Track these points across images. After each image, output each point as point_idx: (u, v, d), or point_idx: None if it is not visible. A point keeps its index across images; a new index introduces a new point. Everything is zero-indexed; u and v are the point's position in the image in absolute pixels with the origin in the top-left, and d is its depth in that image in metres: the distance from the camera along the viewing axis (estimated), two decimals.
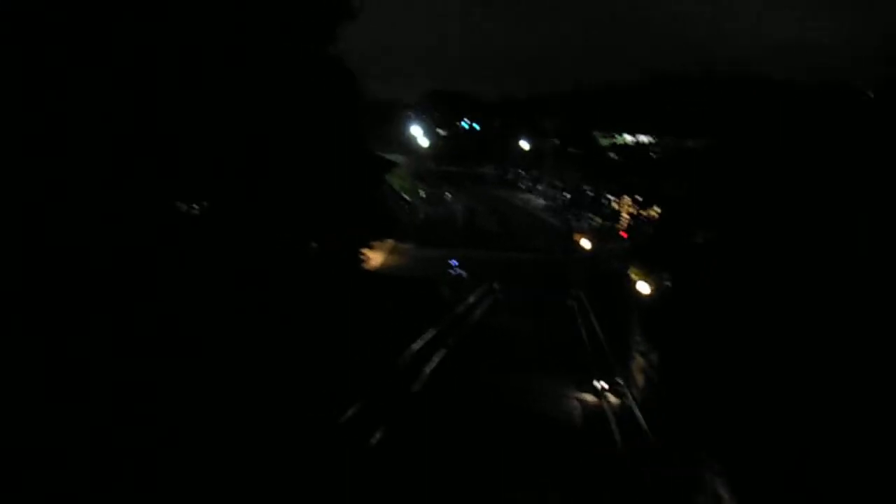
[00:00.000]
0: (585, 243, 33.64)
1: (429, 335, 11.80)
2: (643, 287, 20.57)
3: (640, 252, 24.81)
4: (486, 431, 9.83)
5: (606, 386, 11.21)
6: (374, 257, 29.62)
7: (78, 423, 6.92)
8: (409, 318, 13.82)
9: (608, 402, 11.38)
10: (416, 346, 11.17)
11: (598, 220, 44.13)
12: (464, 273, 21.76)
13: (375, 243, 33.03)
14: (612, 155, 61.94)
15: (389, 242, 33.31)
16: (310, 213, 16.16)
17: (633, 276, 21.23)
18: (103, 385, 7.51)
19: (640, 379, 11.86)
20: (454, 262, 22.38)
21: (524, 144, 76.75)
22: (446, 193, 64.23)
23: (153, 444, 7.21)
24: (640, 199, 35.84)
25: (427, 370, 10.74)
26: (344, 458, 8.21)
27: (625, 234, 37.23)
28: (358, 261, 20.09)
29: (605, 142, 67.07)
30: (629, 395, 10.81)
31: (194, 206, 13.35)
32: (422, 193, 60.97)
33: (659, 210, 31.67)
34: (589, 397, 11.82)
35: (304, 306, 13.15)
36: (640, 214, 34.31)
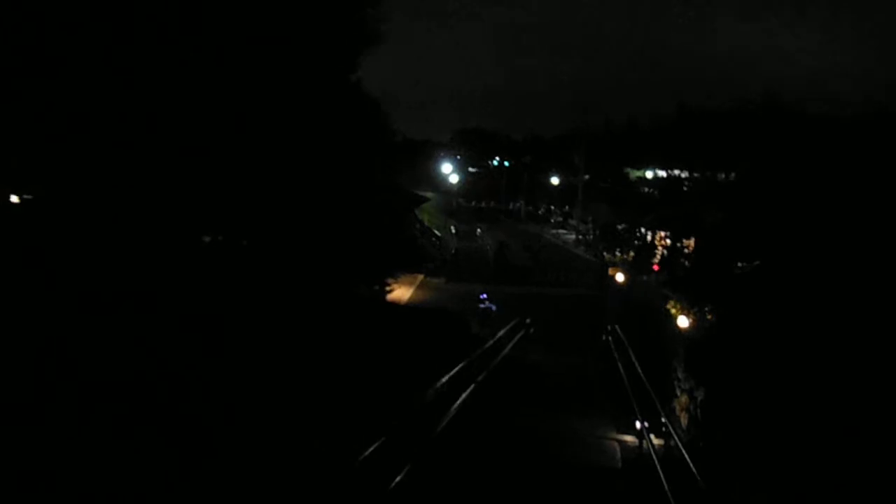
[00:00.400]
0: (619, 277, 32.64)
1: (455, 371, 10.99)
2: (683, 321, 19.55)
3: (678, 285, 23.78)
4: (519, 479, 8.97)
5: (647, 425, 10.25)
6: (403, 292, 29.03)
7: None
8: (436, 353, 13.08)
9: (651, 443, 10.44)
10: (443, 381, 10.39)
11: (631, 253, 42.97)
12: (493, 307, 21.00)
13: (405, 277, 32.58)
14: (644, 189, 61.11)
15: (419, 277, 32.78)
16: (334, 247, 15.78)
17: (672, 310, 20.21)
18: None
19: (684, 419, 10.89)
20: (483, 296, 21.66)
21: (554, 180, 76.32)
22: (477, 229, 63.92)
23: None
24: (672, 232, 34.76)
25: (453, 409, 9.92)
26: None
27: (657, 268, 36.16)
28: (382, 294, 19.50)
29: (635, 175, 66.25)
30: (674, 434, 9.85)
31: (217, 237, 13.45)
32: (452, 229, 60.76)
33: (694, 242, 30.60)
34: (629, 438, 10.87)
35: (327, 339, 12.56)
36: (676, 246, 33.20)
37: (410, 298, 28.06)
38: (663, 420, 10.19)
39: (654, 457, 9.79)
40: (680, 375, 12.07)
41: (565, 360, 17.72)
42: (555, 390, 13.99)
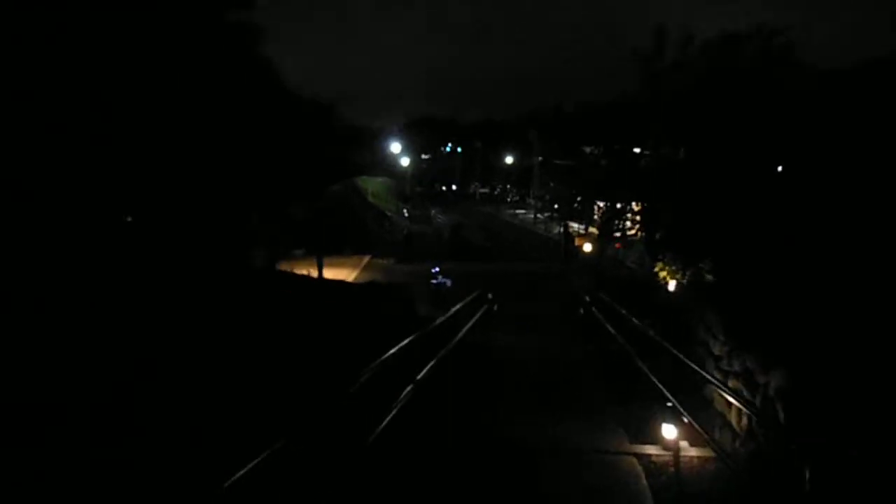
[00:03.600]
0: (587, 247, 28.98)
1: (385, 357, 6.72)
2: (672, 287, 15.75)
3: (659, 247, 20.06)
4: None
5: (674, 431, 6.34)
6: (347, 273, 24.75)
7: None
8: (362, 337, 8.95)
9: (685, 457, 6.54)
10: (362, 380, 6.17)
11: (594, 229, 39.32)
12: (447, 281, 16.95)
13: (349, 259, 28.38)
14: (602, 162, 57.91)
15: (365, 258, 28.52)
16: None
17: (661, 273, 16.38)
18: None
19: (735, 417, 7.04)
20: (435, 270, 17.57)
21: (508, 160, 73.03)
22: (432, 211, 60.09)
23: None
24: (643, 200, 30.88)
25: (393, 411, 5.76)
26: None
27: (619, 246, 32.73)
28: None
29: (593, 152, 63.25)
30: (712, 442, 5.93)
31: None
32: (405, 212, 56.84)
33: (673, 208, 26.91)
34: (653, 451, 6.96)
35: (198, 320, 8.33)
36: (652, 211, 29.37)
37: (355, 280, 23.76)
38: (685, 419, 6.23)
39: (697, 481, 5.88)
40: (717, 351, 8.14)
41: (542, 342, 13.76)
42: (537, 384, 9.97)
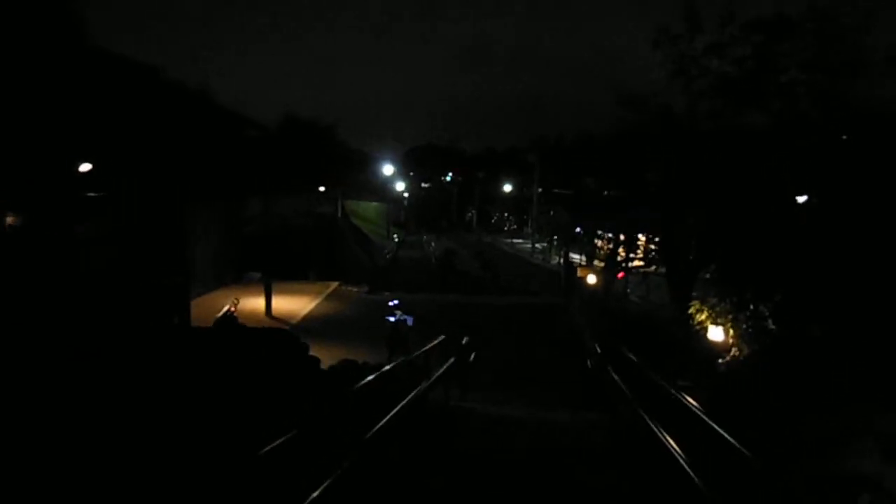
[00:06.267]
0: (591, 279, 24.49)
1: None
2: (716, 333, 11.20)
3: (686, 280, 15.59)
4: None
5: None
6: (303, 304, 20.28)
7: None
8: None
9: None
10: None
11: (604, 252, 34.86)
12: (409, 319, 12.37)
13: (311, 285, 23.93)
14: (605, 192, 53.86)
15: (332, 285, 24.02)
16: None
17: (699, 316, 11.83)
18: None
19: None
20: (394, 303, 12.94)
21: (507, 188, 69.19)
22: (425, 237, 55.89)
23: None
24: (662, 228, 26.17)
25: None
26: None
27: (621, 275, 28.44)
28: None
29: (593, 182, 59.41)
30: None
31: None
32: (396, 237, 52.64)
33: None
34: None
35: None
36: (666, 240, 24.73)
37: (310, 313, 19.23)
38: None
39: None
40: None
41: (538, 411, 9.24)
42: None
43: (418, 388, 7.75)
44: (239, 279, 22.13)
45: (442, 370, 9.21)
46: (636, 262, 32.47)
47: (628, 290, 25.93)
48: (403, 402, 6.71)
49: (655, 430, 5.87)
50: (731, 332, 10.50)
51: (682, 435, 5.46)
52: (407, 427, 6.80)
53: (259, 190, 27.56)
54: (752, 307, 10.06)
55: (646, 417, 6.65)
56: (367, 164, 65.69)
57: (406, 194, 76.04)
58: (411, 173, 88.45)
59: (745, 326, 10.05)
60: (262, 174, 27.11)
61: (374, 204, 62.73)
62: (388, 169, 61.39)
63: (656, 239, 26.53)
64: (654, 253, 27.58)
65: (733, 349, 10.34)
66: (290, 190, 34.67)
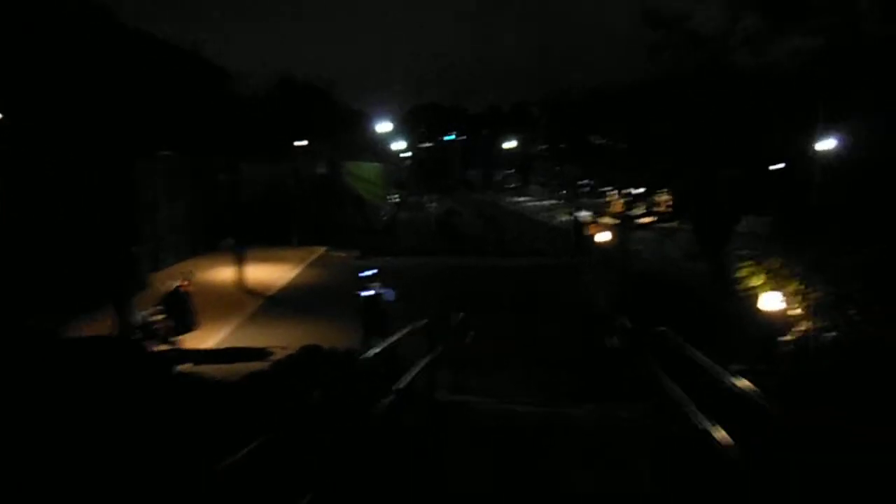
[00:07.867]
0: (605, 236, 21.97)
1: None
2: (773, 300, 8.80)
3: (720, 234, 13.13)
4: None
5: None
6: (283, 272, 18.04)
7: None
8: None
9: None
10: None
11: (608, 219, 32.20)
12: (388, 292, 9.94)
13: (296, 250, 21.65)
14: (611, 144, 50.85)
15: (318, 250, 21.78)
16: None
17: (752, 284, 9.41)
18: None
19: None
20: (369, 272, 10.42)
21: (511, 144, 66.31)
22: (425, 197, 53.42)
23: None
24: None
25: None
26: None
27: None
28: None
29: (603, 137, 56.44)
30: None
31: None
32: (395, 198, 50.16)
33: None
34: None
35: None
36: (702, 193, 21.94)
37: (290, 283, 16.98)
38: None
39: None
40: None
41: (554, 407, 6.97)
42: None
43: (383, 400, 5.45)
44: (215, 247, 19.85)
45: (414, 373, 6.78)
46: (648, 218, 29.91)
47: (640, 248, 23.46)
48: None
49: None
50: (800, 301, 8.10)
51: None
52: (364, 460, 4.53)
53: (242, 151, 25.12)
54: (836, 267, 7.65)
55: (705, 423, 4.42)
56: (365, 124, 62.80)
57: (408, 154, 73.19)
58: (414, 133, 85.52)
59: (822, 294, 7.64)
60: (247, 134, 24.74)
61: (374, 164, 60.04)
62: (387, 127, 58.47)
63: (675, 192, 23.92)
64: (669, 206, 25.00)
65: (803, 323, 7.95)
66: (279, 151, 32.40)
